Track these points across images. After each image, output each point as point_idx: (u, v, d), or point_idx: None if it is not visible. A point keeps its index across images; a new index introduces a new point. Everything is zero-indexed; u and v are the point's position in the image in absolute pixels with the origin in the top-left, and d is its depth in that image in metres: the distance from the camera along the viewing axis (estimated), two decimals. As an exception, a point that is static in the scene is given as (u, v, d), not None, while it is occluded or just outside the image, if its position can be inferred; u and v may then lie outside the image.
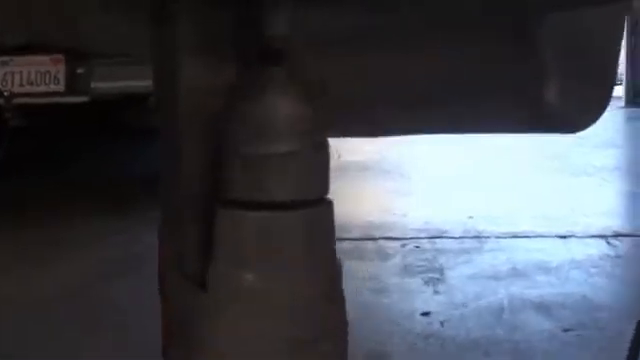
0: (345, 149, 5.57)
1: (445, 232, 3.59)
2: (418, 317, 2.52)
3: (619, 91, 9.91)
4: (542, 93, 0.92)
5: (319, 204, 0.83)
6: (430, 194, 4.61)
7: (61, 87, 4.57)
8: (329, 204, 0.85)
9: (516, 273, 2.95)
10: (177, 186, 0.83)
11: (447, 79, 0.94)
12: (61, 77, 4.58)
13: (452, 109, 0.97)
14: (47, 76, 4.62)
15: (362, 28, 0.91)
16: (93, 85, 4.56)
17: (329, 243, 0.84)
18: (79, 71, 4.58)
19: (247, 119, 0.79)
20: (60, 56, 4.54)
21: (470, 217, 3.85)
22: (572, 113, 0.97)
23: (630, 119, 9.13)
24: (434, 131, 1.11)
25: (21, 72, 4.63)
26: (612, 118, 8.00)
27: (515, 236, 3.49)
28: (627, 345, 2.28)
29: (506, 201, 4.30)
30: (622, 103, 10.17)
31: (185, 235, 0.83)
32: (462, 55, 0.92)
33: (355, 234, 3.57)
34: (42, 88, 4.59)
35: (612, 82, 1.02)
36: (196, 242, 0.82)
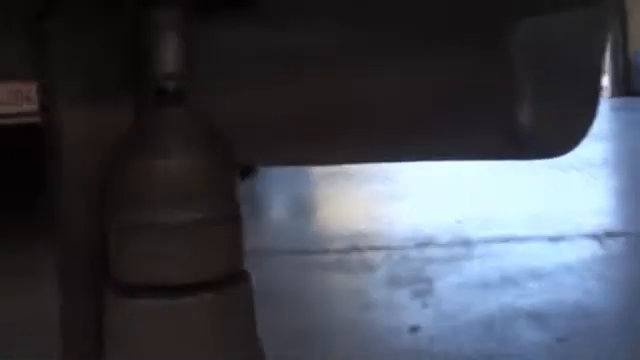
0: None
1: (433, 239, 3.49)
2: (407, 333, 2.42)
3: (604, 81, 9.85)
4: (515, 114, 0.80)
5: (232, 283, 0.66)
6: (417, 199, 4.51)
7: (34, 106, 4.45)
8: (245, 281, 0.68)
9: (507, 281, 2.85)
10: (65, 260, 0.70)
11: (406, 101, 0.82)
12: (33, 95, 4.45)
13: (413, 136, 0.85)
14: (19, 95, 4.50)
15: (314, 48, 0.80)
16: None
17: (246, 332, 0.67)
18: (52, 89, 4.45)
19: (138, 179, 0.63)
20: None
21: (458, 222, 3.76)
22: (550, 136, 0.85)
23: (614, 109, 9.07)
24: (396, 160, 0.99)
25: (-8, 93, 4.51)
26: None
27: (504, 240, 3.40)
28: (625, 353, 2.18)
29: (494, 202, 4.21)
30: (608, 94, 10.10)
31: (78, 323, 0.69)
32: (424, 73, 0.81)
33: (340, 245, 3.47)
34: (15, 108, 4.47)
35: (596, 98, 0.89)
36: (90, 332, 0.67)
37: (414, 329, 2.44)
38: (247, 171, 4.23)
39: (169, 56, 0.66)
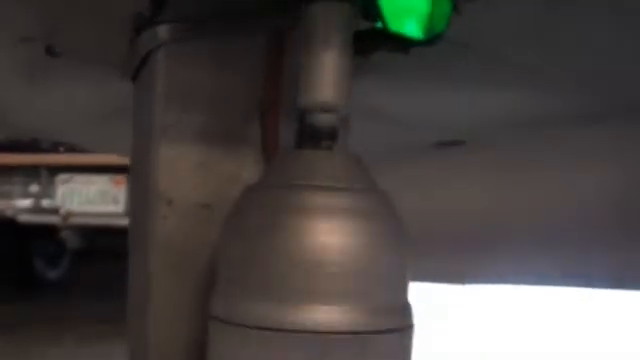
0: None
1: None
2: None
3: None
4: None
5: None
6: None
7: (119, 208, 4.45)
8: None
9: None
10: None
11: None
12: (121, 198, 4.47)
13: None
14: (106, 196, 4.51)
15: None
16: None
17: None
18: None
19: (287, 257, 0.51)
20: (122, 177, 4.44)
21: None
22: None
23: None
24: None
25: (81, 191, 4.54)
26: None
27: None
28: None
29: None
30: None
31: None
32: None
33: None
34: (100, 208, 4.48)
35: None
36: None
37: None
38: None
39: (328, 80, 0.53)
